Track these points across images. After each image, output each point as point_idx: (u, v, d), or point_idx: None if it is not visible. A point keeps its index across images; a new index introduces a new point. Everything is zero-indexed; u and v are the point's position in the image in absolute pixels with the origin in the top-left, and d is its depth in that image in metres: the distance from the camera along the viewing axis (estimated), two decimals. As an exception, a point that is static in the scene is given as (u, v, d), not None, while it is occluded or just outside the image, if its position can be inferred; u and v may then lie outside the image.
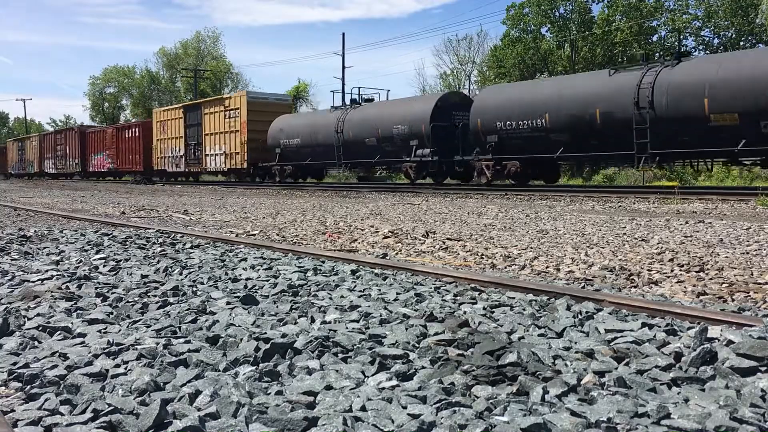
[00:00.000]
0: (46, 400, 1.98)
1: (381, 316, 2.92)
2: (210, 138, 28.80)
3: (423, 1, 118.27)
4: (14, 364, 2.34)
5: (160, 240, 6.07)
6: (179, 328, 2.78)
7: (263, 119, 26.25)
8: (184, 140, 30.76)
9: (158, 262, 4.67)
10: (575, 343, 2.49)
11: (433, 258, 5.25)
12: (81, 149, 41.65)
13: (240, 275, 4.05)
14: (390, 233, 6.86)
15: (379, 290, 3.54)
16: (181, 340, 2.58)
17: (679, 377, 2.08)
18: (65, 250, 5.40)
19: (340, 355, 2.39)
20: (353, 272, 4.15)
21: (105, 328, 2.80)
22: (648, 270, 4.41)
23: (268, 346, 2.41)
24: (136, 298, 3.38)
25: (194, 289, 3.63)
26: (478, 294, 3.45)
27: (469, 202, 12.85)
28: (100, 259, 4.80)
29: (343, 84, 44.57)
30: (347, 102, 23.96)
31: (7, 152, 57.77)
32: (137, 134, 35.00)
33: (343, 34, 58.65)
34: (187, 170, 31.28)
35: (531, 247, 5.68)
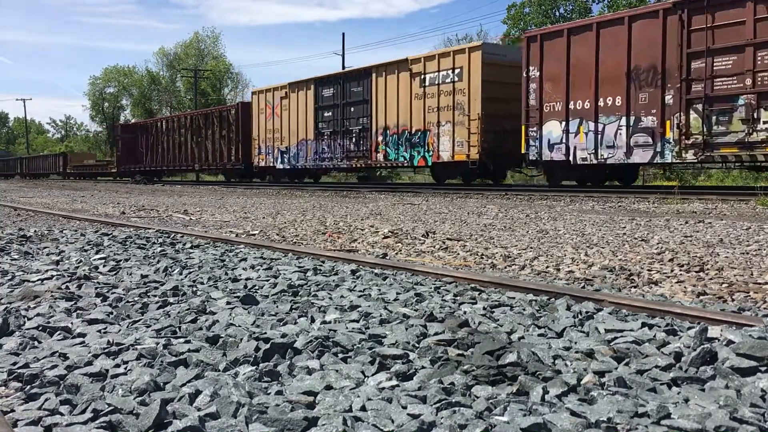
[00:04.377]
0: (46, 400, 1.98)
1: (381, 316, 2.92)
2: None
3: (421, 1, 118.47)
4: (14, 364, 2.34)
5: (160, 240, 6.07)
6: (179, 328, 2.78)
7: None
8: None
9: (158, 262, 4.67)
10: (575, 343, 2.49)
11: (433, 258, 5.25)
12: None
13: (240, 275, 4.05)
14: (390, 233, 6.86)
15: (379, 290, 3.53)
16: (181, 340, 2.58)
17: (679, 377, 2.08)
18: (65, 250, 5.40)
19: (340, 355, 2.39)
20: (353, 272, 4.15)
21: (105, 328, 2.80)
22: (648, 270, 4.41)
23: (268, 346, 2.41)
24: (136, 298, 3.38)
25: (194, 289, 3.62)
26: (478, 294, 3.45)
27: (469, 202, 12.85)
28: (100, 259, 4.80)
29: (343, 84, 44.59)
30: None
31: (251, 122, 25.98)
32: None
33: (343, 34, 58.72)
34: None
35: (531, 247, 5.68)
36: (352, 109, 21.40)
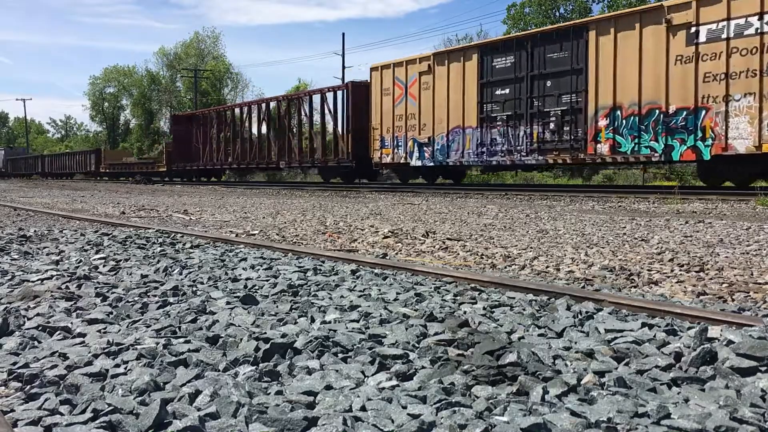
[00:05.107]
0: (45, 400, 1.98)
1: (381, 316, 2.92)
2: None
3: (420, 1, 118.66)
4: (14, 364, 2.34)
5: (160, 240, 6.07)
6: (179, 327, 2.78)
7: None
8: None
9: (158, 261, 4.67)
10: (575, 343, 2.49)
11: (433, 258, 5.25)
12: None
13: (240, 275, 4.05)
14: (390, 233, 6.86)
15: (379, 290, 3.53)
16: (181, 340, 2.58)
17: (679, 377, 2.08)
18: (65, 249, 5.40)
19: (340, 355, 2.39)
20: (353, 272, 4.15)
21: (105, 328, 2.80)
22: (648, 270, 4.41)
23: (267, 346, 2.41)
24: (135, 298, 3.38)
25: (194, 288, 3.62)
26: (478, 294, 3.45)
27: (469, 202, 12.85)
28: (100, 258, 4.80)
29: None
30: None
31: (369, 107, 20.70)
32: None
33: (343, 34, 58.77)
34: None
35: (531, 247, 5.68)
36: (549, 83, 15.67)
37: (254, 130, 26.95)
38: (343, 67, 45.69)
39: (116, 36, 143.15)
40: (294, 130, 24.61)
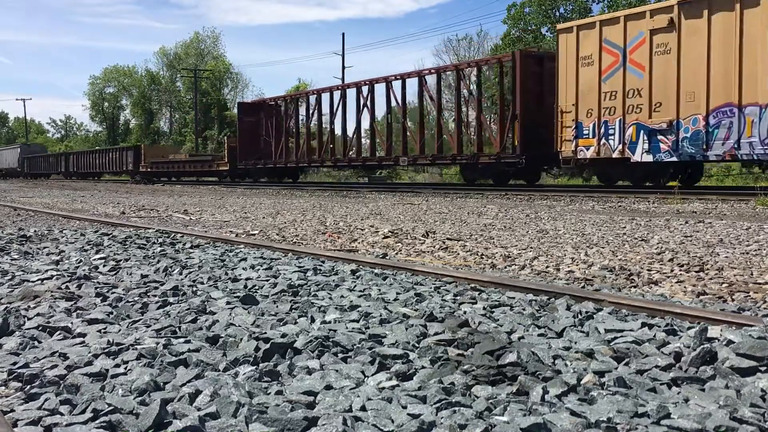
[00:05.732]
0: (45, 400, 1.98)
1: (381, 315, 2.92)
2: None
3: (420, 1, 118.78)
4: (14, 364, 2.34)
5: (160, 240, 6.07)
6: (179, 327, 2.78)
7: None
8: None
9: (158, 261, 4.67)
10: (575, 343, 2.49)
11: (433, 258, 5.25)
12: None
13: (240, 275, 4.05)
14: (390, 233, 6.86)
15: (379, 290, 3.53)
16: (181, 339, 2.58)
17: (679, 377, 2.08)
18: (65, 249, 5.40)
19: (340, 355, 2.39)
20: (353, 272, 4.15)
21: (105, 328, 2.80)
22: (648, 270, 4.41)
23: (267, 345, 2.41)
24: (135, 298, 3.38)
25: (194, 288, 3.62)
26: (478, 294, 3.45)
27: (469, 202, 12.85)
28: (100, 258, 4.80)
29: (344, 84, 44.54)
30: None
31: (553, 81, 15.57)
32: None
33: (343, 34, 58.73)
34: None
35: (531, 247, 5.68)
36: None
37: (353, 120, 21.91)
38: (343, 67, 45.71)
39: (116, 36, 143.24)
40: (434, 117, 18.80)
